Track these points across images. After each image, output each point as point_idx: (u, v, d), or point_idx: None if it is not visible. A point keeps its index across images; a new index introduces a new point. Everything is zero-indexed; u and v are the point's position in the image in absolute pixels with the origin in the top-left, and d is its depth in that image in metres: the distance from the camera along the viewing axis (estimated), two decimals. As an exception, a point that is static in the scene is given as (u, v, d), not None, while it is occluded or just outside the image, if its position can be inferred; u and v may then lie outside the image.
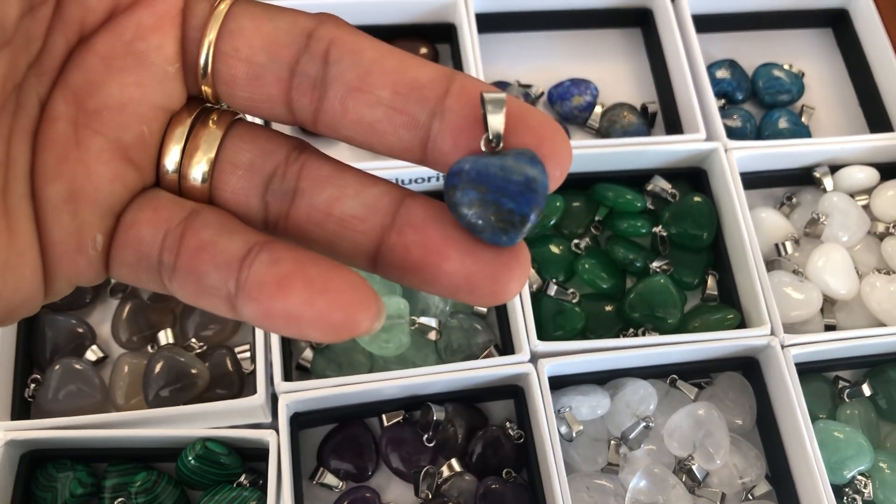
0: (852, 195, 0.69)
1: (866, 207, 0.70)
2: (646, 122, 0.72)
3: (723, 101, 0.74)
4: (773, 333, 0.60)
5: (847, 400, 0.63)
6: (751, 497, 0.59)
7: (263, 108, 0.25)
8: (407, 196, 0.24)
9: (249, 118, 0.26)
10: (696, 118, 0.67)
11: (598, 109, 0.72)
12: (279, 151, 0.25)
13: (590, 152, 0.65)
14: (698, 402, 0.61)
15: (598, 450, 0.60)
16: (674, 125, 0.71)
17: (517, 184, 0.22)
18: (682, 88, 0.70)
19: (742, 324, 0.63)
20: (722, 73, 0.75)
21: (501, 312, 0.63)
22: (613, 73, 0.76)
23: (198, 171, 0.25)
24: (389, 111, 0.23)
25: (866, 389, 0.62)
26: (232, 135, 0.25)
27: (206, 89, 0.25)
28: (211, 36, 0.24)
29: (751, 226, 0.63)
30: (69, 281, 0.24)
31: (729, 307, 0.64)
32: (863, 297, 0.65)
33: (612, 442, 0.60)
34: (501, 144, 0.22)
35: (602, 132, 0.72)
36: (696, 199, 0.66)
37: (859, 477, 0.59)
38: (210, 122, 0.25)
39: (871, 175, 0.69)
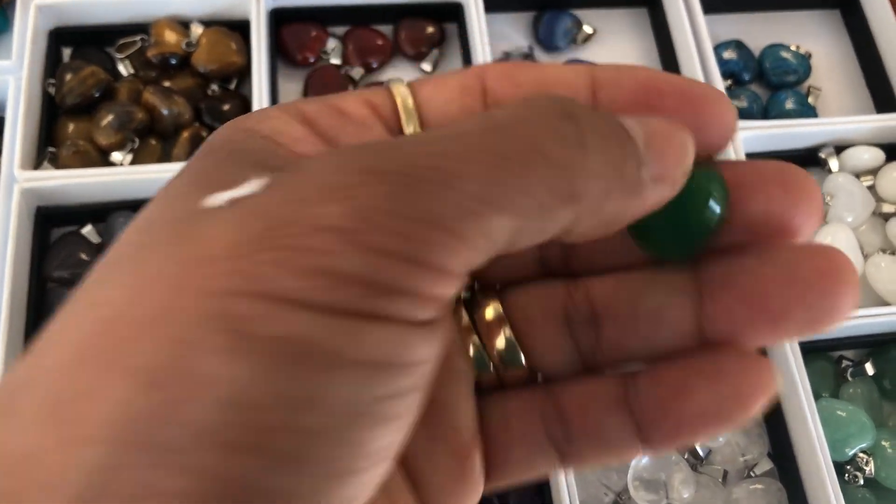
0: (858, 176, 0.69)
1: (872, 188, 0.69)
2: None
3: (729, 81, 0.74)
4: (776, 312, 0.60)
5: (850, 379, 0.63)
6: (753, 474, 0.60)
7: (517, 275, 0.23)
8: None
9: None
10: (702, 97, 0.67)
11: None
12: (557, 293, 0.23)
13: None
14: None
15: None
16: (680, 105, 0.71)
17: None
18: (690, 69, 0.69)
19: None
20: (728, 54, 0.74)
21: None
22: (619, 53, 0.76)
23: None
24: None
25: (869, 369, 0.62)
26: (511, 302, 0.23)
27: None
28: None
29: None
30: None
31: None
32: (868, 277, 0.65)
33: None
34: None
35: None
36: (702, 178, 0.66)
37: (861, 454, 0.59)
38: (480, 303, 0.23)
39: (876, 155, 0.69)
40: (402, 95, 0.21)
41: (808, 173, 0.21)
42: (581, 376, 0.22)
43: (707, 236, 0.21)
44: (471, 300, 0.23)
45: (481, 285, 0.24)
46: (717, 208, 0.21)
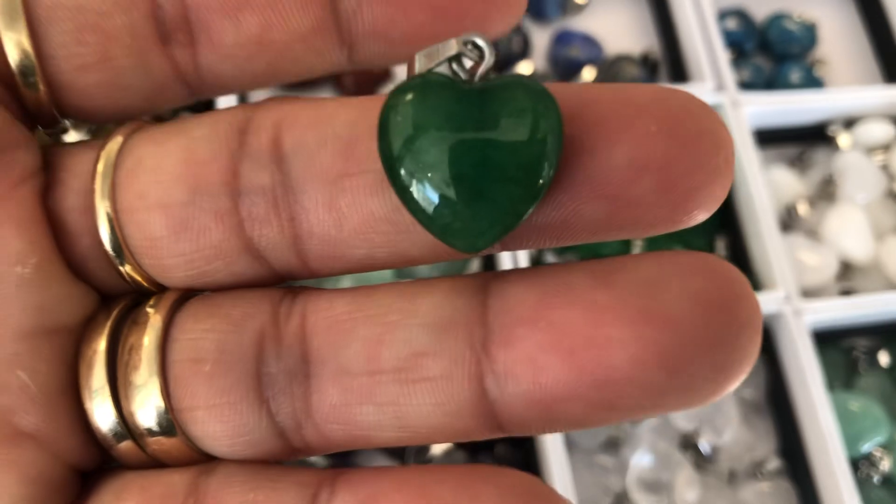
0: (869, 151, 0.65)
1: (884, 165, 0.66)
2: (649, 74, 0.67)
3: (732, 53, 0.70)
4: (787, 298, 0.56)
5: (863, 370, 0.60)
6: (761, 474, 0.56)
7: (215, 268, 0.17)
8: (492, 279, 0.16)
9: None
10: (703, 67, 0.63)
11: (585, 74, 0.67)
12: (258, 310, 0.17)
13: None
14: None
15: (598, 424, 0.57)
16: (680, 76, 0.67)
17: None
18: (689, 39, 0.65)
19: (754, 290, 0.59)
20: (730, 23, 0.70)
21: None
22: (614, 23, 0.72)
23: (149, 413, 0.16)
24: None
25: (883, 359, 0.59)
26: (180, 321, 0.17)
27: (133, 274, 0.17)
28: (103, 194, 0.17)
29: (760, 185, 0.59)
30: None
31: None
32: (881, 260, 0.61)
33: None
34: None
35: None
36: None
37: (876, 451, 0.56)
38: (142, 318, 0.17)
39: (888, 130, 0.65)
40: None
41: (707, 105, 0.15)
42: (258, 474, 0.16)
43: (520, 209, 0.15)
44: (127, 311, 0.17)
45: (157, 285, 0.17)
46: (542, 156, 0.15)
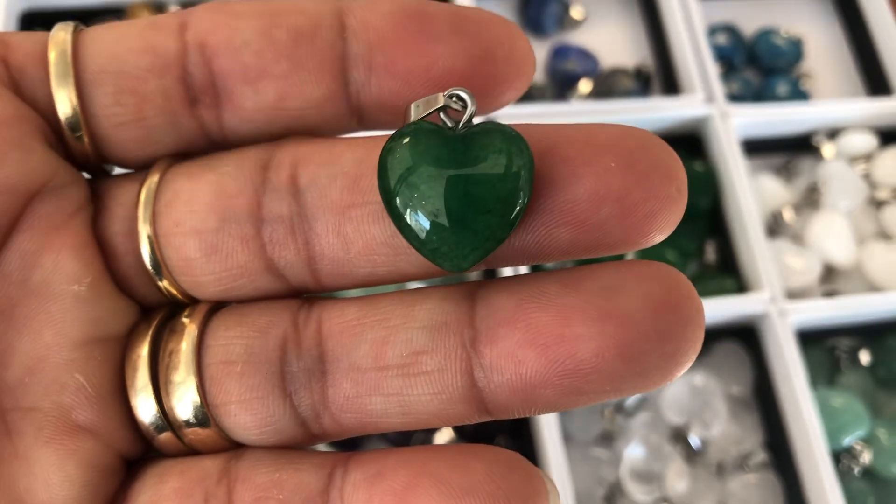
0: (852, 161, 0.68)
1: (866, 174, 0.69)
2: (643, 86, 0.70)
3: (722, 67, 0.73)
4: (773, 300, 0.59)
5: (845, 369, 0.62)
6: (748, 466, 0.59)
7: (241, 284, 0.19)
8: (478, 288, 0.19)
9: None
10: (693, 80, 0.66)
11: (582, 87, 0.70)
12: (280, 318, 0.19)
13: (584, 118, 0.64)
14: (696, 371, 0.60)
15: (593, 418, 0.59)
16: (672, 89, 0.69)
17: None
18: (681, 53, 0.68)
19: (741, 291, 0.62)
20: (720, 38, 0.73)
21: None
22: (609, 37, 0.74)
23: (185, 409, 0.19)
24: None
25: (864, 357, 0.62)
26: (213, 329, 0.19)
27: (170, 289, 0.20)
28: (145, 220, 0.19)
29: (748, 192, 0.62)
30: None
31: (728, 274, 0.63)
32: (862, 264, 0.64)
33: (607, 409, 0.59)
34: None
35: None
36: (696, 165, 0.65)
37: (856, 444, 0.58)
38: (179, 327, 0.19)
39: (870, 140, 0.68)
40: (59, 44, 0.19)
41: (662, 142, 0.18)
42: (282, 456, 0.19)
43: (498, 235, 0.18)
44: (165, 321, 0.20)
45: (190, 298, 0.20)
46: (516, 191, 0.17)
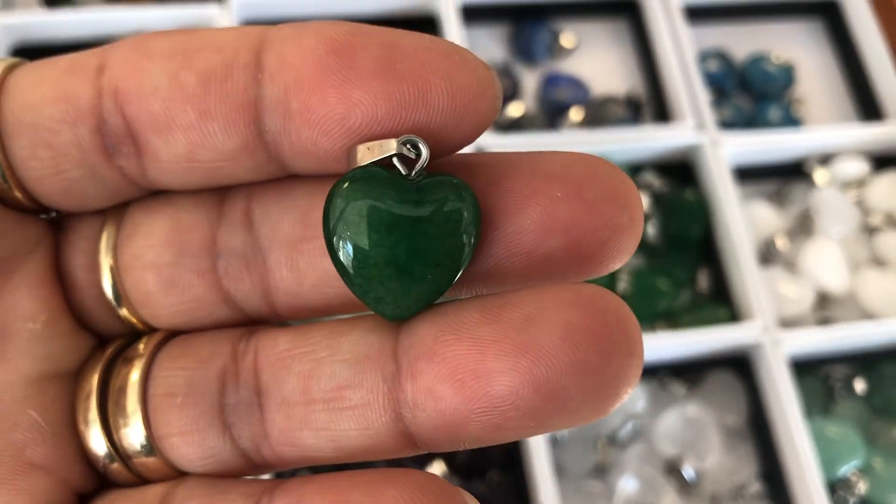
0: (845, 187, 0.68)
1: (858, 200, 0.68)
2: (634, 114, 0.70)
3: (713, 93, 0.73)
4: (766, 329, 0.59)
5: (840, 398, 0.62)
6: (743, 497, 0.58)
7: (199, 316, 0.19)
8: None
9: None
10: (684, 107, 0.66)
11: (573, 115, 0.70)
12: (221, 349, 0.19)
13: (574, 148, 0.64)
14: (689, 401, 0.60)
15: (586, 450, 0.58)
16: (662, 116, 0.69)
17: None
18: (671, 80, 0.68)
19: (734, 320, 0.62)
20: (711, 65, 0.73)
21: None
22: (601, 64, 0.74)
23: (134, 438, 0.19)
24: None
25: (859, 386, 0.61)
26: (160, 359, 0.19)
27: (129, 318, 0.20)
28: (106, 253, 0.19)
29: (739, 220, 0.62)
30: None
31: (720, 303, 0.62)
32: (856, 291, 0.64)
33: (600, 441, 0.58)
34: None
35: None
36: (688, 193, 0.65)
37: (852, 474, 0.58)
38: (133, 355, 0.19)
39: (863, 166, 0.68)
40: None
41: (616, 169, 0.17)
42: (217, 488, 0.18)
43: (443, 287, 0.17)
44: (122, 350, 0.20)
45: (150, 327, 0.20)
46: (461, 246, 0.17)
